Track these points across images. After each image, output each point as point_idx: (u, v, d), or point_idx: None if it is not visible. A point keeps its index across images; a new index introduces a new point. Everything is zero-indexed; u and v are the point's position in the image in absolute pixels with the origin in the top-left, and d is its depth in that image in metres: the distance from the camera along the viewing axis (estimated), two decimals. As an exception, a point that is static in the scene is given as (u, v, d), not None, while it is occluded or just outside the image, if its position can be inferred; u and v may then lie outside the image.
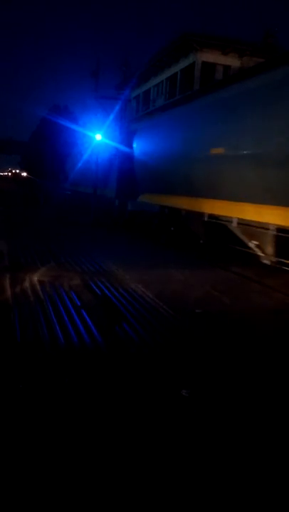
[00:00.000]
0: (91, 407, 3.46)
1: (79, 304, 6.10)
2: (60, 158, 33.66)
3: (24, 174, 66.01)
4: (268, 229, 7.63)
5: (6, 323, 5.21)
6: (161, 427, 3.23)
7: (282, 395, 3.87)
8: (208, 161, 9.30)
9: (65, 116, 40.71)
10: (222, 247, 9.75)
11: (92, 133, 18.02)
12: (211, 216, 9.50)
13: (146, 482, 2.65)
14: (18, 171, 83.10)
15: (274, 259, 7.78)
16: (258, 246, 8.18)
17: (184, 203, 10.91)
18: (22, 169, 75.18)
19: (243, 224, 8.31)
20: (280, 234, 7.41)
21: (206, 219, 9.67)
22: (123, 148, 15.62)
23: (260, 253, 8.19)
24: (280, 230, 7.37)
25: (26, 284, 7.01)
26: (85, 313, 5.66)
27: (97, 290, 6.93)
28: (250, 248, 8.51)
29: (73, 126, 31.54)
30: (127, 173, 15.18)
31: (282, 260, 7.57)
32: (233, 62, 25.35)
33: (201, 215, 9.87)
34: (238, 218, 8.38)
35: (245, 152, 8.05)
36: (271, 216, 7.51)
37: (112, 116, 18.18)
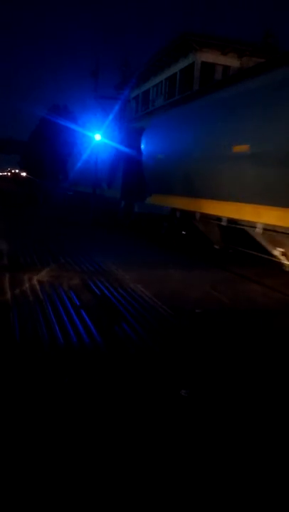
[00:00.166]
0: (90, 406, 3.46)
1: (78, 303, 6.09)
2: (59, 158, 33.65)
3: (23, 174, 65.98)
4: None
5: (5, 322, 5.20)
6: (161, 426, 3.23)
7: (281, 395, 3.87)
8: (229, 160, 8.47)
9: (65, 116, 40.72)
10: (240, 253, 9.13)
11: (92, 133, 17.96)
12: (231, 221, 8.65)
13: (145, 481, 2.65)
14: (17, 170, 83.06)
15: None
16: (283, 254, 7.62)
17: (199, 205, 10.00)
18: (21, 169, 75.13)
19: (269, 230, 7.53)
20: None
21: (224, 223, 8.85)
22: (129, 147, 15.04)
23: (285, 261, 7.65)
24: None
25: (25, 283, 7.00)
26: (84, 313, 5.66)
27: (96, 290, 6.93)
28: (273, 255, 7.89)
29: (73, 126, 31.54)
30: (133, 173, 14.56)
31: None
32: (232, 62, 25.37)
33: (218, 219, 9.07)
34: (264, 224, 7.57)
35: (274, 150, 7.23)
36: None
37: (111, 116, 18.16)
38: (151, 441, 3.05)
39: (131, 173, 14.85)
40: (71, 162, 26.94)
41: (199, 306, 6.32)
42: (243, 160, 7.96)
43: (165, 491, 2.58)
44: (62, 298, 6.30)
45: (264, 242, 7.92)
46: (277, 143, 7.13)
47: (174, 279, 8.06)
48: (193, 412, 3.44)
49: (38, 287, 6.81)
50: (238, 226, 8.40)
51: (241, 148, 7.98)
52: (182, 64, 26.60)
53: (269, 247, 7.88)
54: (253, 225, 7.85)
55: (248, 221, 8.00)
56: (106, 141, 17.24)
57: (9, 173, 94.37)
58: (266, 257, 8.11)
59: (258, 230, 7.69)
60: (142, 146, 13.41)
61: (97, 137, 17.46)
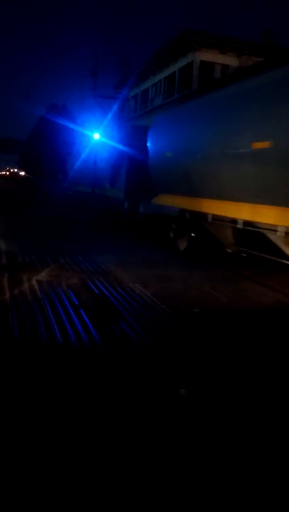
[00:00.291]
0: (89, 406, 3.45)
1: (77, 303, 6.08)
2: (58, 158, 33.63)
3: (22, 173, 65.91)
4: None
5: (4, 321, 5.19)
6: (160, 425, 3.22)
7: (281, 394, 3.86)
8: (248, 158, 7.80)
9: (64, 116, 40.70)
10: (255, 258, 8.57)
11: (91, 132, 17.87)
12: (248, 223, 8.05)
13: (145, 481, 2.64)
14: (16, 170, 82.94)
15: None
16: None
17: (211, 206, 9.36)
18: (20, 168, 75.04)
19: None
20: None
21: (240, 226, 8.25)
22: (133, 145, 14.32)
23: None
24: None
25: (24, 283, 6.99)
26: (83, 312, 5.65)
27: (95, 289, 6.92)
28: None
29: (72, 126, 31.52)
30: (138, 172, 13.86)
31: None
32: (231, 61, 25.37)
33: (233, 221, 8.51)
34: (287, 227, 7.05)
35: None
36: None
37: (110, 116, 18.07)
38: (150, 440, 3.04)
39: (135, 172, 14.21)
40: (70, 161, 26.88)
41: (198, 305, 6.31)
42: (264, 157, 7.39)
43: (164, 490, 2.57)
44: (61, 297, 6.29)
45: (284, 247, 7.44)
46: None
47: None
48: (193, 412, 3.43)
49: (36, 286, 6.79)
50: (256, 229, 7.86)
51: (262, 145, 7.40)
52: (181, 63, 26.59)
53: None
54: (273, 228, 7.36)
55: (268, 224, 7.51)
56: (107, 139, 17.01)
57: (8, 173, 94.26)
58: (285, 262, 7.61)
59: (280, 233, 7.20)
60: (148, 144, 12.76)
61: (96, 136, 17.42)
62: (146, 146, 12.89)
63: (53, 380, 3.84)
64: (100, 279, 7.52)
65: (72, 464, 2.75)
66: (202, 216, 9.76)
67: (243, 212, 8.21)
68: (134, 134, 14.94)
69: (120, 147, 15.38)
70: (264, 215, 7.63)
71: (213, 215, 9.31)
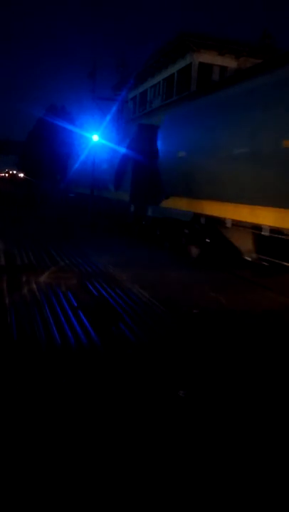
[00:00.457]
0: (88, 407, 3.45)
1: (76, 304, 6.09)
2: (57, 159, 33.63)
3: (21, 175, 65.85)
4: None
5: (3, 323, 5.19)
6: (159, 427, 3.22)
7: (280, 394, 3.87)
8: (278, 157, 7.01)
9: (63, 117, 40.70)
10: (280, 267, 7.82)
11: (91, 133, 17.74)
12: (275, 230, 7.29)
13: (144, 482, 2.65)
14: (15, 171, 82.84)
15: None
16: None
17: (230, 211, 8.55)
18: (19, 170, 74.94)
19: None
20: None
21: (267, 233, 7.48)
22: (140, 145, 13.72)
23: None
24: None
25: (22, 284, 6.99)
26: (81, 314, 5.65)
27: (93, 291, 6.93)
28: None
29: (71, 127, 31.54)
30: (145, 173, 13.24)
31: None
32: (229, 63, 25.40)
33: (257, 227, 7.74)
34: None
35: None
36: None
37: (109, 117, 18.00)
38: (149, 441, 3.05)
39: (142, 173, 13.51)
40: (70, 163, 26.82)
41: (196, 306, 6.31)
42: None
43: (164, 490, 2.58)
44: (60, 298, 6.29)
45: None
46: None
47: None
48: (191, 413, 3.44)
49: (35, 287, 6.80)
50: (282, 236, 7.18)
51: None
52: (180, 65, 26.62)
53: None
54: None
55: None
56: (111, 140, 16.71)
57: (7, 174, 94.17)
58: None
59: None
60: (158, 143, 11.84)
61: (95, 138, 17.40)
62: (155, 146, 12.11)
63: (53, 381, 3.84)
64: (99, 281, 7.52)
65: (72, 464, 2.76)
66: (219, 221, 8.97)
67: (268, 217, 7.52)
68: (141, 133, 14.32)
69: (125, 148, 14.74)
70: None
71: (232, 220, 8.51)
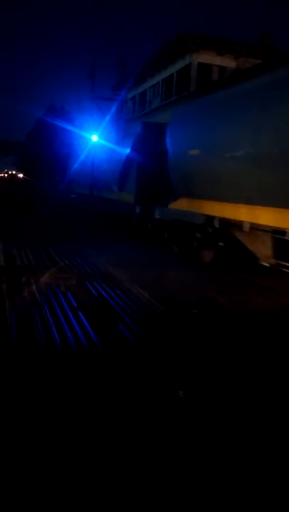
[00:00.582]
0: (88, 407, 3.45)
1: (75, 305, 6.09)
2: (56, 160, 33.61)
3: (20, 175, 65.82)
4: None
5: (2, 323, 5.19)
6: (158, 427, 3.23)
7: (279, 395, 3.87)
8: None
9: (62, 117, 40.66)
10: None
11: (93, 133, 17.63)
12: None
13: (144, 482, 2.65)
14: (14, 172, 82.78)
15: None
16: None
17: (248, 214, 7.96)
18: (18, 170, 74.90)
19: None
20: None
21: None
22: (147, 144, 13.15)
23: None
24: None
25: (22, 284, 6.99)
26: (81, 314, 5.65)
27: (93, 291, 6.93)
28: None
29: (70, 127, 31.52)
30: (152, 174, 12.64)
31: None
32: (229, 63, 25.42)
33: (280, 232, 7.31)
34: None
35: None
36: None
37: (108, 117, 17.96)
38: (149, 441, 3.05)
39: (149, 174, 12.94)
40: (69, 163, 26.76)
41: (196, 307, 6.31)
42: None
43: (163, 489, 2.58)
44: (59, 299, 6.29)
45: None
46: None
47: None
48: (191, 413, 3.44)
49: (34, 288, 6.80)
50: None
51: None
52: (179, 65, 26.64)
53: None
54: None
55: None
56: (112, 140, 16.54)
57: (6, 175, 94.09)
58: None
59: None
60: (167, 141, 11.22)
61: (95, 138, 17.37)
62: (162, 145, 11.56)
63: (52, 382, 3.84)
64: (99, 282, 7.52)
65: (72, 465, 2.76)
66: (236, 224, 8.41)
67: None
68: (147, 132, 13.77)
69: (129, 147, 14.23)
70: None
71: (251, 223, 7.93)
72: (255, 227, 7.89)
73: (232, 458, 2.93)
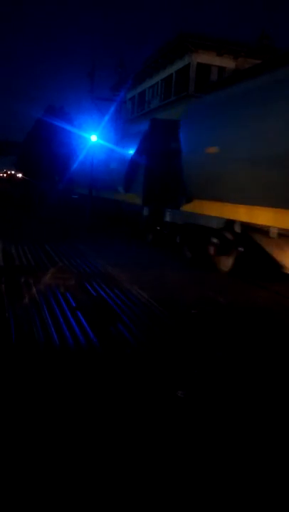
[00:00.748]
0: (87, 407, 3.45)
1: (74, 304, 6.09)
2: (55, 159, 33.59)
3: (19, 175, 65.81)
4: None
5: (1, 324, 5.19)
6: (158, 427, 3.22)
7: (279, 395, 3.88)
8: None
9: (61, 117, 40.65)
10: None
11: (92, 133, 17.55)
12: None
13: (143, 481, 2.65)
14: (13, 172, 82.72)
15: None
16: None
17: (276, 218, 7.19)
18: (17, 170, 74.88)
19: None
20: None
21: None
22: (156, 142, 12.45)
23: None
24: None
25: (21, 285, 6.99)
26: (80, 314, 5.65)
27: (92, 291, 6.93)
28: None
29: (70, 127, 31.52)
30: (161, 174, 11.95)
31: None
32: (228, 63, 25.44)
33: None
34: None
35: None
36: None
37: (107, 117, 17.92)
38: (148, 441, 3.05)
39: (158, 174, 12.21)
40: (69, 163, 26.70)
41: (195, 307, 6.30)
42: None
43: (163, 489, 2.58)
44: (58, 299, 6.29)
45: None
46: None
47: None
48: (190, 413, 3.44)
49: (33, 288, 6.79)
50: None
51: None
52: (178, 65, 26.65)
53: None
54: None
55: None
56: (112, 140, 16.37)
57: (5, 175, 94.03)
58: None
59: None
60: (180, 138, 10.43)
61: (94, 138, 17.32)
62: (174, 143, 10.88)
63: (51, 382, 3.84)
64: (98, 282, 7.52)
65: (72, 465, 2.75)
66: (260, 230, 7.67)
67: None
68: (156, 129, 12.87)
69: (136, 146, 13.62)
70: None
71: (279, 228, 7.12)
72: (283, 233, 7.12)
73: (232, 458, 2.93)
